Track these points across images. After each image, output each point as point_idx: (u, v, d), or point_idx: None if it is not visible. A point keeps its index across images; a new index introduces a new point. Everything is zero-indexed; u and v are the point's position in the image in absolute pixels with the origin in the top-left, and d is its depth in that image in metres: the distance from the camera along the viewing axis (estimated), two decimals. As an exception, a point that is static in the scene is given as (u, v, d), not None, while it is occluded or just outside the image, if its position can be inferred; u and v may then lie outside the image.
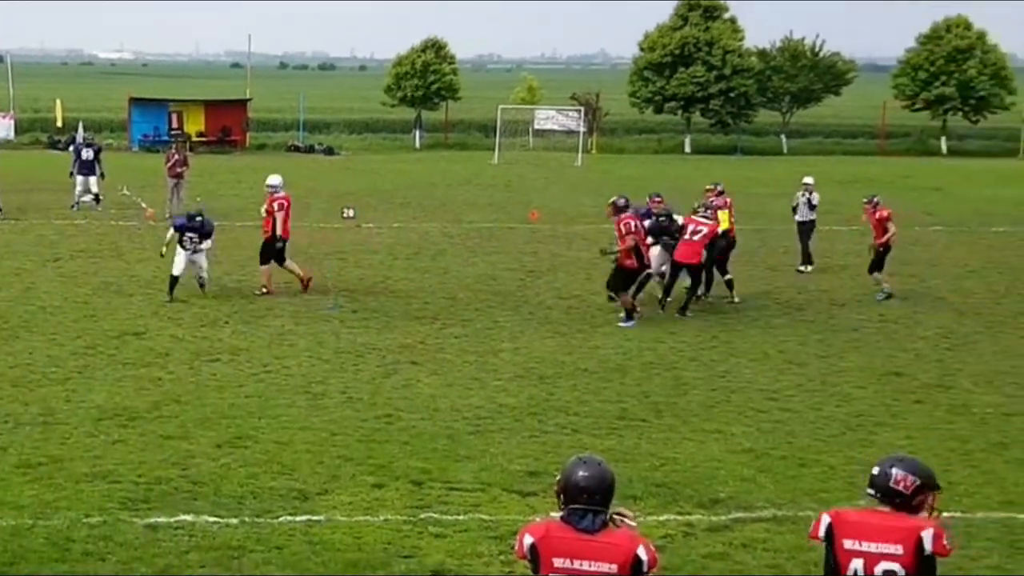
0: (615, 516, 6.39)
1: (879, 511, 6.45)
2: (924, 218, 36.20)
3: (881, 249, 22.68)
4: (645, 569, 6.24)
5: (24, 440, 13.37)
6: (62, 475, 12.24)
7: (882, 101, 68.01)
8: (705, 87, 64.03)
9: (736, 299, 22.09)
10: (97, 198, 33.73)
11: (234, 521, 11.10)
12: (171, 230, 21.92)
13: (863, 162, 59.36)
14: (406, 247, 28.51)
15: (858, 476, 12.55)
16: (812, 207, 25.88)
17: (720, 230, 21.44)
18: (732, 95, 64.62)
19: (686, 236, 20.68)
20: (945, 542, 6.33)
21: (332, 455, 13.08)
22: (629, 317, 19.91)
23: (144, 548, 10.43)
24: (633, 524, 6.46)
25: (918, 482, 6.38)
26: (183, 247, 21.36)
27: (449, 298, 22.35)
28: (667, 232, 20.98)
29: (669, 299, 21.09)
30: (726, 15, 66.44)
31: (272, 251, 22.17)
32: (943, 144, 67.00)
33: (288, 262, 22.39)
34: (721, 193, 23.40)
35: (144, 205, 33.40)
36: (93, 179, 33.93)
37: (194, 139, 56.31)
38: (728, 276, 22.31)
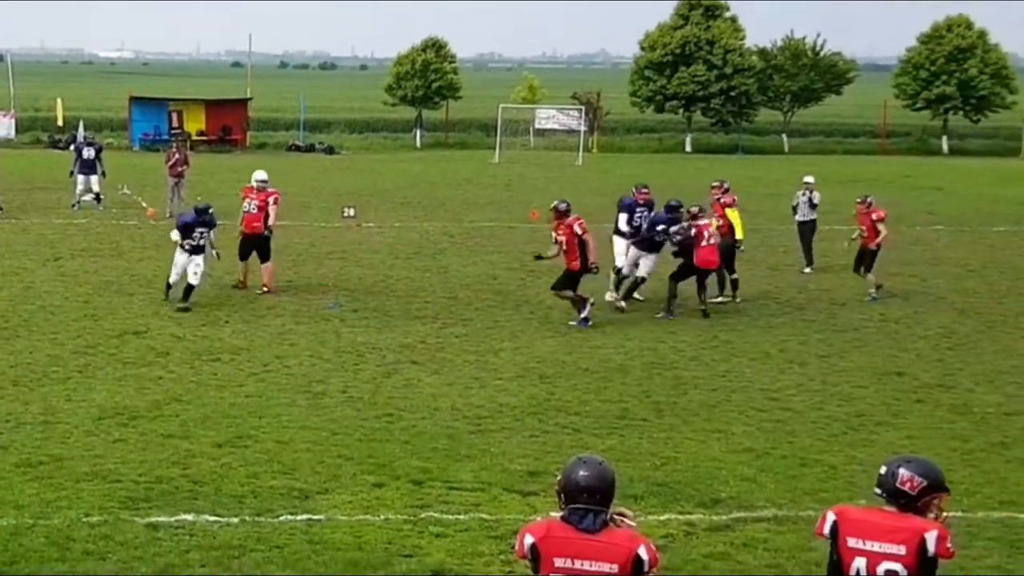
0: (615, 516, 6.39)
1: (884, 511, 6.43)
2: (925, 217, 36.21)
3: (875, 248, 22.64)
4: (646, 569, 6.23)
5: (25, 439, 13.36)
6: (63, 474, 12.23)
7: (883, 100, 68.00)
8: (706, 86, 64.01)
9: (738, 299, 22.06)
10: (98, 197, 33.72)
11: (235, 520, 11.10)
12: (175, 232, 21.10)
13: (864, 161, 59.34)
14: (407, 246, 28.50)
15: (859, 476, 12.57)
16: (813, 206, 25.84)
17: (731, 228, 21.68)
18: (733, 94, 64.61)
19: (704, 242, 20.67)
20: (948, 544, 6.31)
21: (333, 454, 13.07)
22: (585, 319, 19.70)
23: (145, 547, 10.42)
24: (633, 524, 6.45)
25: (925, 483, 6.36)
26: (189, 245, 20.78)
27: (450, 297, 22.35)
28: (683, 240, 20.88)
29: (678, 301, 21.08)
30: (727, 14, 66.42)
31: (264, 245, 22.19)
32: (944, 143, 66.98)
33: (249, 261, 22.40)
34: (727, 191, 23.38)
35: (145, 204, 33.42)
36: (95, 178, 33.92)
37: (194, 138, 56.32)
38: (735, 275, 22.32)
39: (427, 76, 65.48)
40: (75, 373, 16.36)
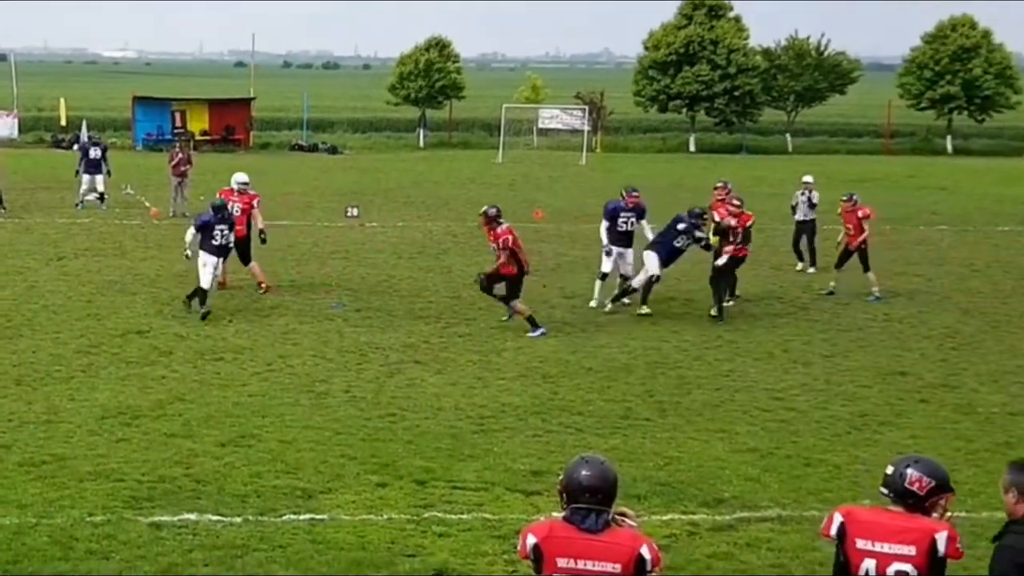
0: (616, 516, 6.37)
1: (892, 511, 6.41)
2: (929, 217, 36.19)
3: (863, 246, 22.61)
4: (648, 568, 6.22)
5: (28, 439, 13.36)
6: (66, 474, 12.23)
7: (887, 100, 67.95)
8: (710, 86, 63.97)
9: (730, 301, 21.86)
10: (102, 197, 33.75)
11: (238, 520, 11.09)
12: (191, 231, 20.43)
13: (868, 161, 59.29)
14: (410, 246, 28.49)
15: (863, 476, 12.55)
16: (812, 206, 25.83)
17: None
18: (737, 94, 64.57)
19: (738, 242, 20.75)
20: (958, 545, 6.30)
21: (336, 454, 13.06)
22: (535, 325, 19.30)
23: (148, 547, 10.42)
24: (634, 524, 6.43)
25: (933, 484, 6.34)
26: (211, 245, 20.06)
27: (453, 297, 22.33)
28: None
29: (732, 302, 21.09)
30: (731, 14, 66.36)
31: (246, 248, 22.21)
32: (948, 143, 66.92)
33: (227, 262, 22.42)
34: (730, 191, 23.23)
35: (148, 204, 33.43)
36: (100, 178, 33.96)
37: (198, 138, 56.35)
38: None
39: (430, 76, 65.47)
40: (78, 372, 16.36)
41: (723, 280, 20.93)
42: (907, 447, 13.11)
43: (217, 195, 22.44)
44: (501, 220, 19.42)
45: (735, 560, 10.48)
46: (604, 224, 21.57)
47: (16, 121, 59.92)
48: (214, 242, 20.13)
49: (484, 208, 19.91)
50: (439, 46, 67.02)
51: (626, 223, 21.35)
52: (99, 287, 22.41)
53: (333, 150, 59.88)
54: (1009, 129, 70.55)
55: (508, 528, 10.81)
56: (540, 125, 63.22)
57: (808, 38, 68.34)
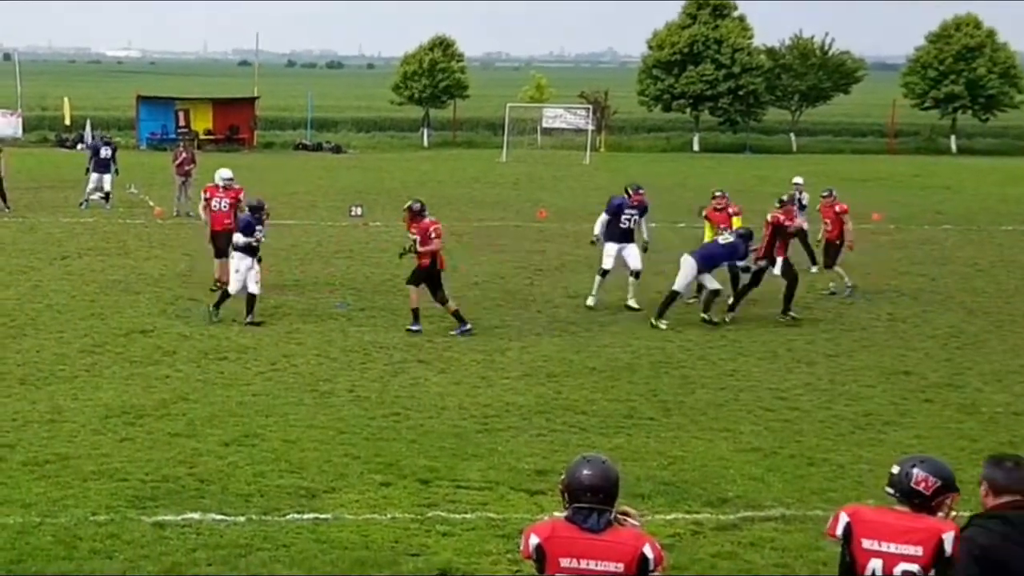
0: (619, 516, 6.37)
1: (897, 511, 6.39)
2: (934, 217, 36.17)
3: (838, 243, 22.67)
4: (651, 568, 6.22)
5: (32, 438, 13.36)
6: (69, 473, 12.23)
7: (891, 99, 67.92)
8: (714, 85, 63.97)
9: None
10: (107, 196, 33.80)
11: (241, 519, 11.09)
12: (240, 236, 19.59)
13: (872, 161, 59.27)
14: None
15: (867, 475, 12.54)
16: (802, 207, 25.86)
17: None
18: (741, 93, 64.56)
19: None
20: None
21: (339, 453, 13.06)
22: (416, 320, 19.16)
23: (151, 546, 10.41)
24: (636, 523, 6.43)
25: (939, 483, 6.33)
26: (250, 248, 19.54)
27: (457, 296, 22.26)
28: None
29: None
30: (735, 13, 66.40)
31: (227, 243, 22.20)
32: (952, 143, 66.89)
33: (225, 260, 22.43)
34: (728, 201, 23.06)
35: (152, 203, 33.45)
36: (108, 177, 34.09)
37: (202, 137, 56.39)
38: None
39: (434, 75, 65.49)
40: (82, 372, 16.36)
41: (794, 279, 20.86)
42: (911, 447, 13.10)
43: (206, 192, 22.55)
44: (425, 214, 19.31)
45: (739, 559, 10.47)
46: (604, 218, 21.45)
47: (20, 120, 59.96)
48: (251, 240, 19.61)
49: (409, 203, 19.75)
50: (443, 45, 67.05)
51: (628, 220, 21.30)
52: (103, 286, 22.42)
53: (337, 149, 59.91)
54: (1013, 128, 70.50)
55: (512, 527, 10.80)
56: (544, 124, 63.22)
57: (812, 37, 68.41)
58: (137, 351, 17.61)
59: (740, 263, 20.46)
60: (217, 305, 19.66)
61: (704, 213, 22.83)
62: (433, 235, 19.07)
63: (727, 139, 67.37)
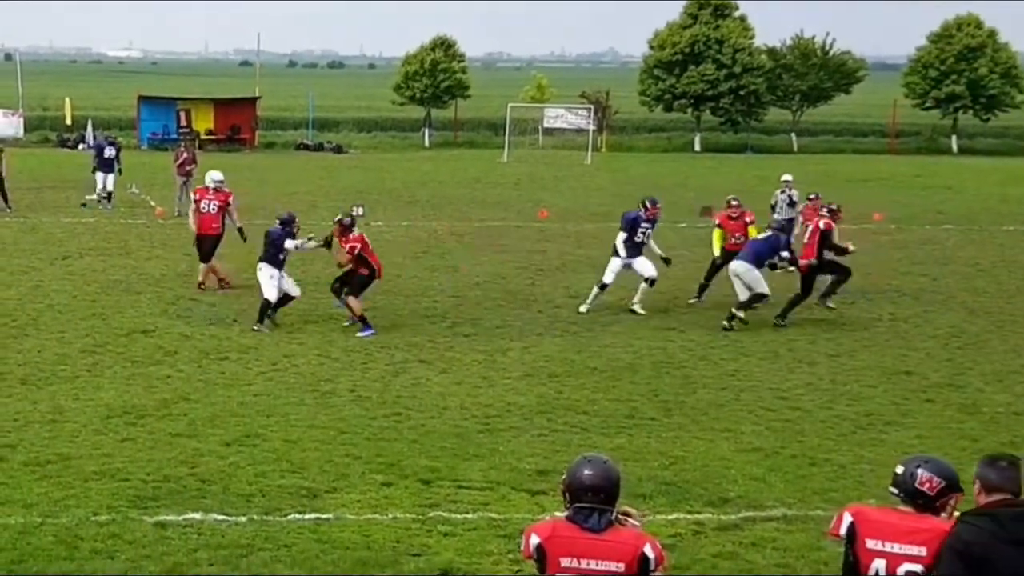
0: (620, 516, 6.37)
1: (901, 511, 6.39)
2: (935, 217, 36.16)
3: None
4: (652, 567, 6.22)
5: (33, 438, 13.36)
6: (71, 473, 12.23)
7: (892, 100, 67.90)
8: (715, 85, 63.96)
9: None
10: (110, 196, 33.85)
11: (243, 519, 11.09)
12: (295, 242, 19.53)
13: (873, 161, 59.25)
14: (415, 245, 28.49)
15: (868, 475, 12.54)
16: (792, 204, 25.96)
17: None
18: (742, 93, 64.55)
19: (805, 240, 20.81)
20: None
21: (341, 453, 13.05)
22: (367, 325, 19.09)
23: (153, 546, 10.41)
24: (638, 524, 6.43)
25: (943, 484, 6.33)
26: (277, 259, 19.42)
27: (458, 296, 22.33)
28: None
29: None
30: (736, 13, 66.38)
31: (215, 247, 22.20)
32: (954, 143, 66.87)
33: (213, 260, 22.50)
34: (743, 209, 22.96)
35: (153, 203, 33.46)
36: (112, 176, 34.17)
37: (203, 137, 56.43)
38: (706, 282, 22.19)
39: (436, 75, 65.50)
40: (83, 372, 16.36)
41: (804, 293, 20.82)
42: (912, 447, 13.09)
43: (196, 194, 22.61)
44: (354, 228, 19.22)
45: (740, 560, 10.47)
46: (622, 236, 21.00)
47: (21, 120, 59.99)
48: (280, 256, 19.50)
49: (340, 216, 19.66)
50: (444, 46, 67.06)
51: (644, 234, 21.10)
52: (104, 286, 22.43)
53: (338, 149, 59.92)
54: (1014, 128, 70.47)
55: (513, 527, 10.79)
56: (545, 124, 63.23)
57: (813, 38, 68.38)
58: (138, 351, 17.61)
59: (783, 255, 20.34)
60: (261, 319, 19.25)
61: (716, 220, 22.56)
62: (347, 249, 18.99)
63: (728, 139, 67.37)
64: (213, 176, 22.88)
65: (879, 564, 6.34)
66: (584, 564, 6.23)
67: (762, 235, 20.80)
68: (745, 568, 10.31)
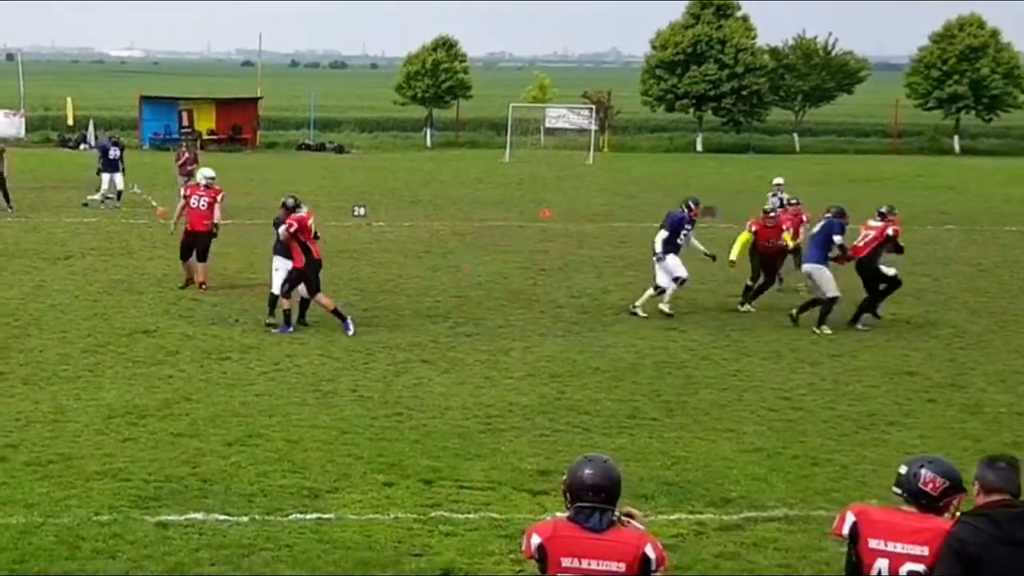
0: (623, 517, 6.36)
1: (904, 511, 6.40)
2: (937, 217, 36.14)
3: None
4: (653, 568, 6.22)
5: (35, 438, 13.36)
6: (72, 473, 12.22)
7: (895, 100, 67.90)
8: (717, 85, 63.98)
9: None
10: (119, 195, 33.97)
11: (244, 519, 11.08)
12: (281, 228, 19.21)
13: (876, 161, 59.24)
14: (417, 245, 28.49)
15: (870, 475, 12.54)
16: (783, 206, 25.89)
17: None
18: (744, 93, 64.57)
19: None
20: None
21: (342, 453, 13.05)
22: (287, 324, 19.05)
23: (154, 546, 10.41)
24: (640, 525, 6.42)
25: (947, 484, 6.34)
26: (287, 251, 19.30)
27: (460, 296, 22.32)
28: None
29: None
30: (738, 13, 66.45)
31: (207, 244, 22.18)
32: (956, 143, 66.88)
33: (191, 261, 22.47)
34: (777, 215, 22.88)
35: (155, 203, 33.46)
36: (118, 176, 34.23)
37: (205, 137, 56.47)
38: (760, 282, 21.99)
39: (437, 75, 65.53)
40: (85, 372, 16.36)
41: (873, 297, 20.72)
42: (915, 447, 13.08)
43: (186, 190, 22.44)
44: (298, 209, 19.09)
45: (742, 560, 10.46)
46: (664, 234, 20.80)
47: (23, 120, 60.01)
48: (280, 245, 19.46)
49: (283, 198, 19.62)
50: (446, 45, 67.08)
51: (686, 235, 21.06)
52: (106, 286, 22.43)
53: (340, 149, 59.94)
54: (1017, 128, 70.47)
55: (515, 527, 10.78)
56: (547, 124, 63.28)
57: (816, 38, 68.48)
58: (140, 351, 17.61)
59: (835, 240, 20.17)
60: (271, 311, 19.30)
61: (752, 228, 22.09)
62: (286, 227, 18.88)
63: (730, 139, 67.39)
64: (205, 173, 22.95)
65: (882, 564, 6.34)
66: (585, 564, 6.23)
67: (817, 227, 20.71)
68: (747, 568, 10.30)
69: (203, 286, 22.08)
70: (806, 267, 20.55)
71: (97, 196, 33.85)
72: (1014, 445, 13.86)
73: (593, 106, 62.97)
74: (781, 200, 25.92)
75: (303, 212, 19.15)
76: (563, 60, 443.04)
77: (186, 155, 33.23)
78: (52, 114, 66.89)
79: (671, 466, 12.90)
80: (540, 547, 6.30)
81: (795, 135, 67.47)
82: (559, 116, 64.11)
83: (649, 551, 6.21)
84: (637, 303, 20.99)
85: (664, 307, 20.78)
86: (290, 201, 19.26)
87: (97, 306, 20.69)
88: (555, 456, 12.99)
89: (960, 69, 65.04)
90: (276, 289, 19.25)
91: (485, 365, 17.26)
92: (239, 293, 21.94)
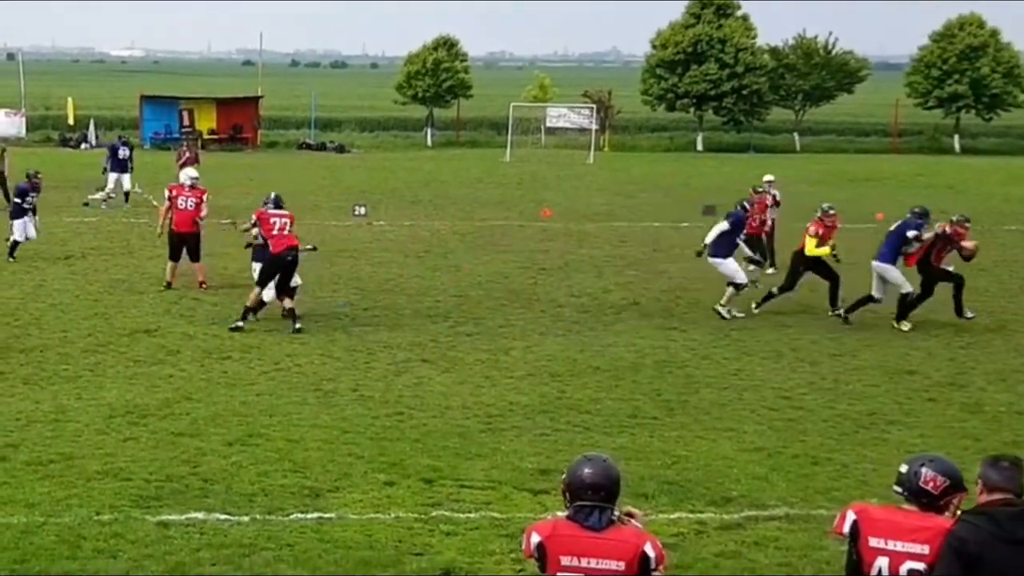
0: (623, 516, 6.37)
1: (905, 510, 6.41)
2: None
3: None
4: (653, 566, 6.23)
5: (36, 437, 13.36)
6: (73, 473, 12.23)
7: (895, 99, 67.90)
8: (718, 85, 64.01)
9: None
10: (127, 196, 34.05)
11: (245, 519, 11.09)
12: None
13: (876, 160, 59.23)
14: (417, 245, 28.49)
15: (871, 474, 12.54)
16: (776, 204, 26.05)
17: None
18: (745, 93, 64.61)
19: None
20: None
21: (343, 453, 13.06)
22: (243, 317, 19.10)
23: (155, 545, 10.41)
24: (639, 525, 6.43)
25: (947, 483, 6.35)
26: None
27: (460, 296, 22.33)
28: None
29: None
30: (739, 13, 66.47)
31: (196, 244, 22.19)
32: (956, 142, 66.88)
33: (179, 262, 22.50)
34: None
35: (156, 203, 33.44)
36: (127, 176, 34.33)
37: (205, 137, 56.52)
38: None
39: (438, 75, 65.56)
40: (86, 371, 16.37)
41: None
42: (915, 446, 13.08)
43: (171, 191, 22.48)
44: (273, 207, 19.22)
45: (743, 559, 10.46)
46: (725, 226, 20.72)
47: (24, 120, 60.04)
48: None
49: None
50: (447, 45, 67.12)
51: (742, 236, 21.42)
52: (106, 286, 22.44)
53: (341, 149, 59.96)
54: (1017, 128, 70.47)
55: (516, 527, 10.78)
56: (548, 124, 63.32)
57: (816, 37, 68.50)
58: (141, 350, 17.61)
59: (910, 235, 20.39)
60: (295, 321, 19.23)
61: (816, 230, 21.42)
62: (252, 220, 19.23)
63: (731, 139, 67.41)
64: (189, 173, 22.98)
65: (882, 562, 6.35)
66: (585, 563, 6.24)
67: (894, 226, 20.93)
68: (747, 567, 10.31)
69: (203, 285, 22.10)
70: (877, 266, 20.52)
71: (99, 196, 33.90)
72: (1014, 444, 13.87)
73: (594, 106, 62.99)
74: (774, 196, 26.00)
75: (280, 211, 19.19)
76: (563, 59, 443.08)
77: (187, 154, 33.31)
78: (53, 114, 66.92)
79: (672, 465, 12.91)
80: (540, 546, 6.31)
81: (795, 134, 67.48)
82: (559, 116, 64.15)
83: (648, 550, 6.22)
84: (723, 302, 20.81)
85: (721, 308, 20.76)
86: (271, 197, 19.50)
87: (98, 306, 20.70)
88: (556, 455, 13.00)
89: (960, 68, 65.05)
90: (267, 296, 19.36)
91: (486, 364, 17.26)
92: (239, 293, 21.92)
